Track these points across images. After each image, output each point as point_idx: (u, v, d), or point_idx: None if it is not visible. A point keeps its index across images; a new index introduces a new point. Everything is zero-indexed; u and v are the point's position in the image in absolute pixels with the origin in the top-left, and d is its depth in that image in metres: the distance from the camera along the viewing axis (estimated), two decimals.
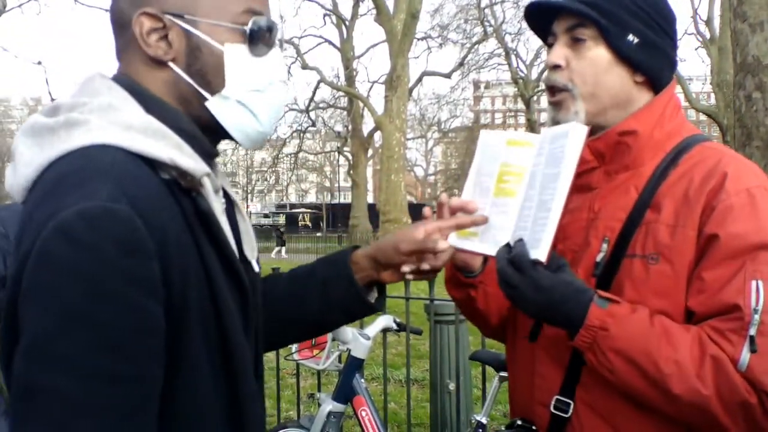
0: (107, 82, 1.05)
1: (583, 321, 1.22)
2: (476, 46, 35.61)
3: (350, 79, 33.89)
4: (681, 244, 1.25)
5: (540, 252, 1.20)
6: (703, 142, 1.36)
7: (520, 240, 1.23)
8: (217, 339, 1.01)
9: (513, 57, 35.80)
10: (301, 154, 43.60)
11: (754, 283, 1.17)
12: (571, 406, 1.33)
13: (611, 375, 1.23)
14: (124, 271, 0.86)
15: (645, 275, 1.27)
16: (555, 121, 1.39)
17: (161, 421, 0.92)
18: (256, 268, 1.20)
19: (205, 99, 1.08)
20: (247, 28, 1.08)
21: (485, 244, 1.30)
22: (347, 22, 34.52)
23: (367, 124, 37.60)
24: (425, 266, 1.36)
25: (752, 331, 1.16)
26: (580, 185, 1.40)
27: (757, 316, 1.16)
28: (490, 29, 34.03)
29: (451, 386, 4.27)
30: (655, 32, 1.35)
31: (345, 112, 37.52)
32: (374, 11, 25.81)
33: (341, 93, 34.97)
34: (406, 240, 1.32)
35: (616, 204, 1.36)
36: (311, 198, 71.16)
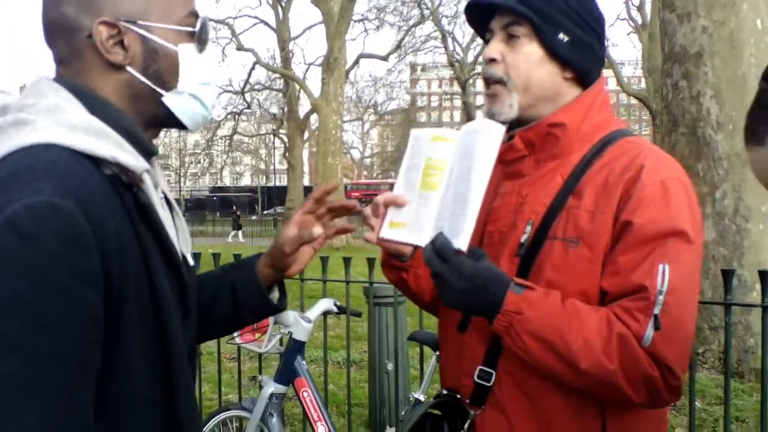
0: (53, 84, 1.11)
1: (501, 306, 1.30)
2: (413, 29, 35.71)
3: (286, 60, 33.58)
4: (599, 229, 1.34)
5: (461, 241, 1.28)
6: (627, 136, 1.46)
7: (441, 234, 1.31)
8: (154, 329, 1.08)
9: (449, 40, 36.11)
10: (236, 137, 43.06)
11: (661, 266, 1.27)
12: (493, 376, 1.43)
13: (526, 355, 1.32)
14: (67, 262, 0.92)
15: (564, 257, 1.36)
16: (490, 114, 1.48)
17: (97, 404, 0.98)
18: (191, 262, 1.28)
19: (161, 95, 1.17)
20: (194, 29, 1.19)
21: (412, 234, 1.39)
22: (283, 3, 34.12)
23: (303, 107, 37.39)
24: (310, 251, 1.49)
25: (656, 311, 1.26)
26: (512, 172, 1.51)
27: (661, 297, 1.26)
28: (427, 12, 34.16)
29: (389, 366, 4.37)
30: (585, 32, 1.45)
31: (281, 94, 37.19)
32: None
33: (277, 75, 34.64)
34: (287, 241, 1.42)
35: (542, 190, 1.44)
36: (246, 181, 70.44)
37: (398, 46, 35.34)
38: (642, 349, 1.25)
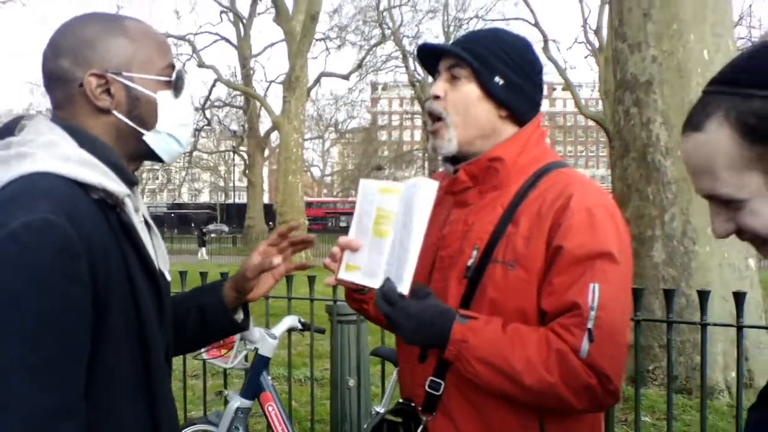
0: (50, 123, 1.31)
1: (449, 337, 1.47)
2: (374, 49, 36.05)
3: (247, 78, 33.61)
4: (533, 253, 1.51)
5: (403, 286, 1.46)
6: (561, 168, 1.64)
7: (388, 278, 1.49)
8: (135, 327, 1.28)
9: (410, 60, 36.45)
10: (195, 153, 42.74)
11: (592, 285, 1.44)
12: (442, 386, 1.59)
13: (477, 379, 1.48)
14: (59, 267, 1.12)
15: (505, 278, 1.53)
16: (434, 148, 1.68)
17: (86, 391, 1.17)
18: (168, 277, 1.48)
19: (142, 134, 1.38)
20: (171, 78, 1.41)
21: (366, 277, 1.56)
22: (245, 20, 34.20)
23: (264, 124, 37.43)
24: (271, 278, 1.67)
25: (590, 325, 1.42)
26: (459, 201, 1.68)
27: (593, 312, 1.42)
28: (388, 32, 34.55)
29: (351, 382, 4.47)
30: (519, 76, 1.62)
31: (241, 111, 37.10)
32: (273, 10, 25.69)
33: (238, 92, 34.60)
34: (250, 268, 1.61)
35: (485, 218, 1.61)
36: (205, 197, 69.86)
37: (359, 66, 35.61)
38: (579, 361, 1.41)
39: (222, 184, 62.39)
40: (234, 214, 53.89)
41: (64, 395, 1.12)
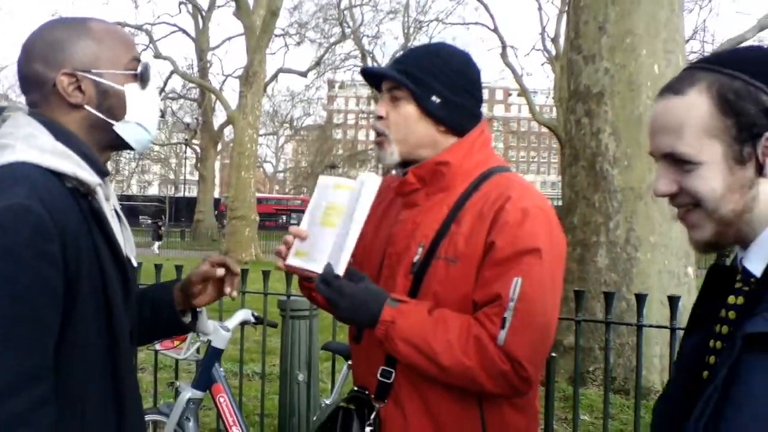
0: (28, 118, 1.43)
1: (379, 317, 1.59)
2: (333, 47, 35.98)
3: (204, 70, 33.31)
4: (472, 250, 1.64)
5: (339, 268, 1.61)
6: (503, 172, 1.76)
7: (329, 263, 1.62)
8: (103, 304, 1.40)
9: (369, 59, 36.46)
10: None
11: (515, 279, 1.57)
12: (393, 374, 1.70)
13: (400, 357, 1.62)
14: (34, 248, 1.24)
15: (446, 273, 1.65)
16: (378, 158, 1.82)
17: (56, 368, 1.29)
18: (135, 263, 1.61)
19: (112, 125, 1.50)
20: (137, 71, 1.52)
21: (311, 263, 1.68)
22: (204, 13, 33.87)
23: (218, 118, 37.02)
24: (215, 290, 1.74)
25: (507, 315, 1.55)
26: (408, 202, 1.80)
27: (512, 303, 1.56)
28: (348, 30, 34.51)
29: (300, 377, 4.53)
30: (456, 94, 1.75)
31: (195, 104, 36.69)
32: (233, 3, 25.52)
33: (193, 84, 34.22)
34: (195, 274, 1.71)
35: (432, 218, 1.73)
36: (154, 190, 68.82)
37: (318, 63, 35.53)
38: (496, 348, 1.55)
39: (172, 176, 61.60)
40: (183, 208, 53.18)
41: (35, 361, 1.25)
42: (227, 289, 1.71)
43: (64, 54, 1.45)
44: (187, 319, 1.77)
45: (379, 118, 1.77)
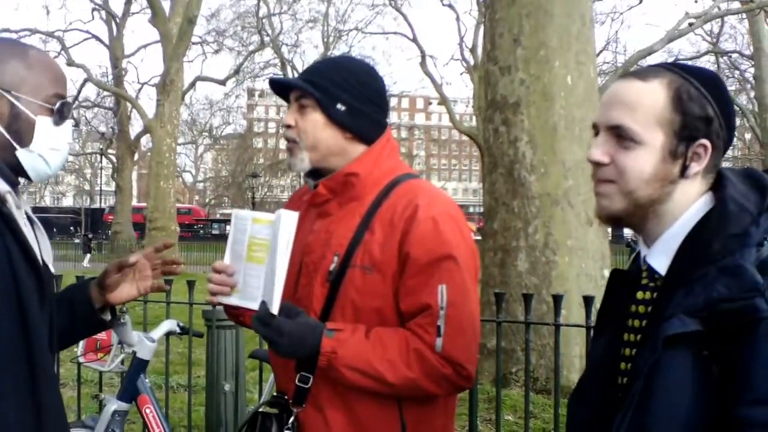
0: None
1: (319, 349, 1.64)
2: (252, 55, 35.69)
3: (119, 78, 32.46)
4: (388, 258, 1.70)
5: (274, 307, 1.64)
6: (409, 179, 1.84)
7: (263, 301, 1.66)
8: (17, 311, 1.40)
9: (289, 68, 36.31)
10: None
11: (440, 287, 1.66)
12: (311, 379, 1.74)
13: (347, 383, 1.68)
14: None
15: (363, 281, 1.71)
16: (289, 165, 1.88)
17: None
18: (52, 270, 1.63)
19: (15, 149, 1.52)
20: (55, 107, 1.56)
21: (244, 300, 1.74)
22: (118, 19, 33.06)
23: (135, 127, 36.20)
24: (135, 288, 1.79)
25: (440, 322, 1.64)
26: (322, 212, 1.85)
27: (442, 311, 1.64)
28: (267, 39, 34.27)
29: (227, 387, 4.51)
30: (360, 102, 1.81)
31: (110, 113, 35.73)
32: (148, 10, 25.02)
33: (108, 93, 33.35)
34: (111, 264, 1.76)
35: (345, 227, 1.78)
36: (68, 202, 66.58)
37: (237, 71, 35.17)
38: (435, 355, 1.64)
39: (87, 187, 59.76)
40: (99, 220, 51.62)
41: None
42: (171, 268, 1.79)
43: None
44: (107, 316, 1.78)
45: (288, 126, 1.82)
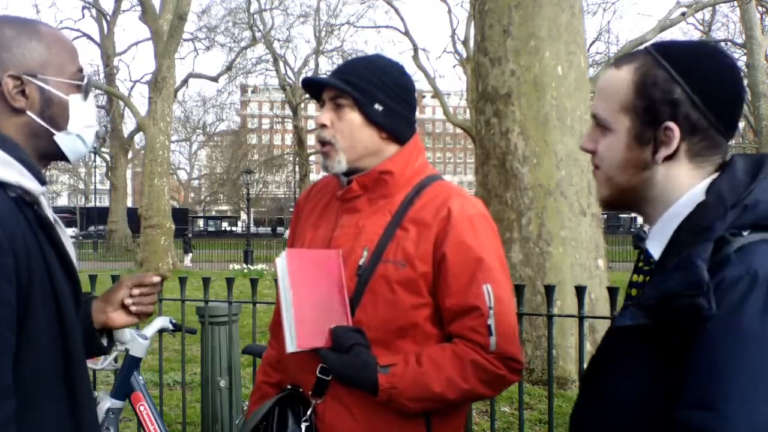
0: None
1: (377, 387, 1.66)
2: (244, 51, 35.58)
3: (110, 76, 32.39)
4: (421, 255, 1.73)
5: (289, 345, 1.69)
6: (438, 180, 1.87)
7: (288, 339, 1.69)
8: (55, 314, 1.34)
9: (281, 63, 36.27)
10: None
11: (485, 287, 1.70)
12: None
13: (410, 411, 1.71)
14: None
15: (395, 276, 1.73)
16: (324, 167, 1.86)
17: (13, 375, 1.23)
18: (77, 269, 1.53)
19: (53, 134, 1.45)
20: (82, 83, 1.48)
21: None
22: (108, 17, 32.96)
23: (128, 125, 36.13)
24: (145, 304, 1.72)
25: (491, 322, 1.69)
26: (350, 208, 1.86)
27: (492, 311, 1.69)
28: (258, 35, 34.21)
29: (222, 383, 4.50)
30: (396, 102, 1.83)
31: (103, 111, 35.65)
32: (138, 8, 24.92)
33: (100, 91, 33.23)
34: (112, 299, 1.68)
35: (375, 223, 1.80)
36: (63, 201, 66.41)
37: (229, 68, 35.08)
38: (490, 356, 1.68)
39: (82, 186, 59.62)
40: (95, 218, 51.53)
41: None
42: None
43: (12, 55, 1.38)
44: (105, 340, 1.72)
45: (323, 126, 1.82)
